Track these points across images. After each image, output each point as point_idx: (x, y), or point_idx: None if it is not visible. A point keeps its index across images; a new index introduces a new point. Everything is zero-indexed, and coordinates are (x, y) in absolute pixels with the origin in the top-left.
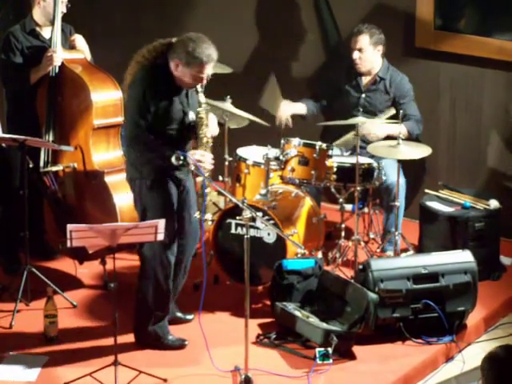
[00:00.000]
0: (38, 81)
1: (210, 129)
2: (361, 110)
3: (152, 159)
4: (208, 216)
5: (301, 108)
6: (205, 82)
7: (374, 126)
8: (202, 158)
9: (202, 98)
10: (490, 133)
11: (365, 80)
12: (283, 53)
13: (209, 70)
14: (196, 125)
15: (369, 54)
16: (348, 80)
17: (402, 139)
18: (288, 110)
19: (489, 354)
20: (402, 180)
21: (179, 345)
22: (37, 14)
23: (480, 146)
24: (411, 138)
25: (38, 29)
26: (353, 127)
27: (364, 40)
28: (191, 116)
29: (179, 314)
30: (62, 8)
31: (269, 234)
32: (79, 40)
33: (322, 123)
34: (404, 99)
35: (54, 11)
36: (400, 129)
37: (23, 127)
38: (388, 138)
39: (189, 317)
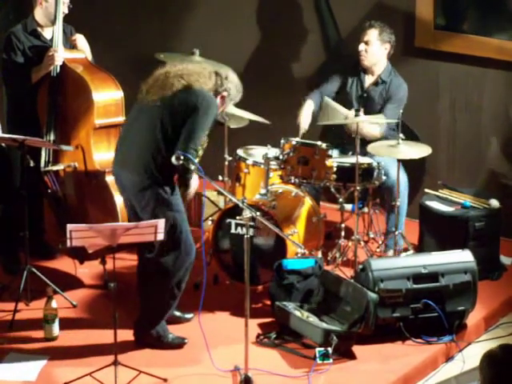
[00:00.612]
0: (39, 80)
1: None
2: (361, 108)
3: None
4: None
5: (310, 108)
6: None
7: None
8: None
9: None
10: (489, 132)
11: (368, 80)
12: (283, 53)
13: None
14: None
15: (375, 49)
16: (348, 82)
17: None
18: (307, 121)
19: (487, 353)
20: (405, 178)
21: (179, 343)
22: (38, 14)
23: (480, 145)
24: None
25: (39, 29)
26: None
27: (373, 33)
28: None
29: (178, 313)
30: (63, 9)
31: (268, 234)
32: (80, 39)
33: (322, 123)
34: (392, 102)
35: (55, 11)
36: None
37: (23, 127)
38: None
39: (188, 316)
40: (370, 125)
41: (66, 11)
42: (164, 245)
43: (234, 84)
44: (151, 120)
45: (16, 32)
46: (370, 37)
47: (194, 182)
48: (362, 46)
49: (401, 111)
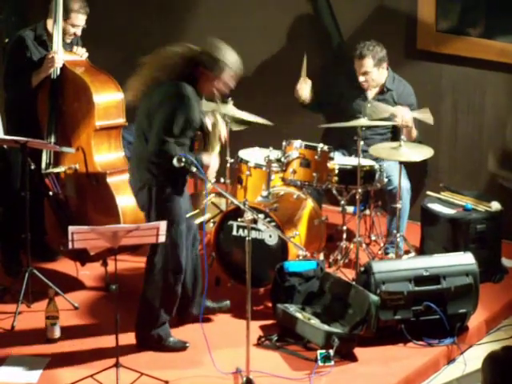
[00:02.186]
0: (39, 83)
1: (222, 133)
2: (366, 117)
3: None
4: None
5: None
6: (226, 90)
7: (403, 109)
8: (209, 163)
9: (230, 107)
10: (491, 135)
11: (371, 93)
12: (285, 54)
13: (232, 79)
14: (210, 133)
15: (374, 75)
16: (352, 89)
17: (405, 140)
18: (306, 88)
19: (489, 355)
20: (407, 184)
21: (180, 347)
22: (50, 24)
23: (481, 148)
24: (412, 139)
25: (48, 39)
26: (354, 129)
27: (368, 63)
28: (206, 123)
29: (212, 305)
30: (77, 31)
31: (270, 236)
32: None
33: (323, 125)
34: (411, 108)
35: (55, 13)
36: (426, 116)
37: (24, 130)
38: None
39: (223, 304)
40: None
41: (79, 33)
42: (156, 245)
43: (219, 60)
44: (137, 126)
45: (25, 37)
46: (367, 68)
47: (211, 161)
48: (362, 78)
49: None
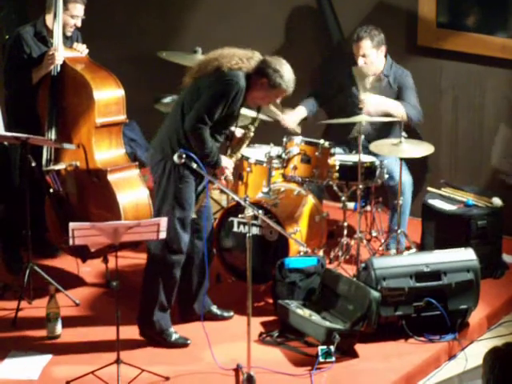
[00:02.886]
0: (40, 80)
1: (246, 145)
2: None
3: (201, 154)
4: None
5: (302, 113)
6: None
7: (374, 100)
8: (228, 166)
9: (261, 115)
10: (492, 131)
11: (368, 80)
12: (285, 51)
13: (279, 98)
14: (241, 139)
15: (373, 58)
16: (351, 81)
17: (400, 123)
18: (292, 120)
19: (491, 350)
20: (409, 179)
21: (182, 343)
22: (50, 19)
23: (482, 143)
24: (410, 123)
25: (48, 35)
26: (354, 124)
27: (366, 45)
28: (234, 128)
29: (218, 311)
30: (77, 22)
31: (271, 233)
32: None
33: (324, 121)
34: (406, 90)
35: (55, 9)
36: (399, 107)
37: (24, 126)
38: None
39: (227, 314)
40: (391, 103)
41: (79, 24)
42: None
43: (279, 74)
44: (178, 101)
45: (24, 34)
46: (365, 49)
47: (225, 163)
48: (361, 61)
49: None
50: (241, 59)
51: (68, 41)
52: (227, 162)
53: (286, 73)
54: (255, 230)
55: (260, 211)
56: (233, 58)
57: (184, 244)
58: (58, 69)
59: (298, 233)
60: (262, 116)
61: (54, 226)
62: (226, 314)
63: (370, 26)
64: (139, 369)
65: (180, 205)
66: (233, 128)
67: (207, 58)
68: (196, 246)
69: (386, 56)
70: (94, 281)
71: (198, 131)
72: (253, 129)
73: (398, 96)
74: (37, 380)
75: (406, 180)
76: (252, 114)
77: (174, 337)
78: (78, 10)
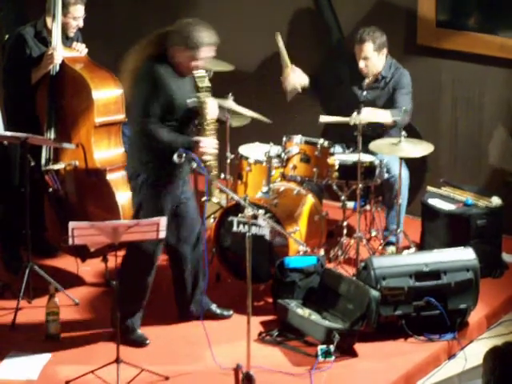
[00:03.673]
0: (39, 80)
1: (210, 111)
2: (362, 106)
3: (158, 154)
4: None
5: (305, 79)
6: (205, 65)
7: (365, 112)
8: (204, 145)
9: (206, 82)
10: (491, 130)
11: (367, 79)
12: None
13: (208, 53)
14: (198, 110)
15: (374, 60)
16: (352, 79)
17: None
18: (295, 78)
19: (491, 349)
20: (406, 173)
21: (141, 342)
22: (49, 21)
23: (482, 143)
24: (395, 126)
25: (48, 36)
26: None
27: (368, 48)
28: (190, 103)
29: (217, 311)
30: (79, 23)
31: (278, 237)
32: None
33: (323, 121)
34: (399, 90)
35: (53, 9)
36: (387, 117)
37: (23, 126)
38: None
39: (226, 313)
40: (381, 114)
41: (81, 25)
42: None
43: (183, 34)
44: None
45: (25, 35)
46: (366, 52)
47: (202, 142)
48: (362, 64)
49: (409, 104)
50: (139, 54)
51: (68, 41)
52: (203, 142)
53: (194, 30)
54: (254, 230)
55: (260, 211)
56: (144, 54)
57: (155, 254)
58: (57, 68)
59: (297, 232)
60: (256, 115)
61: (54, 225)
62: (225, 313)
63: (372, 28)
64: (139, 368)
65: (152, 213)
66: (190, 103)
67: (127, 65)
68: (183, 253)
69: (387, 56)
70: (94, 280)
71: (146, 130)
72: (204, 93)
73: (391, 96)
74: (36, 380)
75: (403, 175)
76: (250, 113)
77: (137, 334)
78: (79, 10)
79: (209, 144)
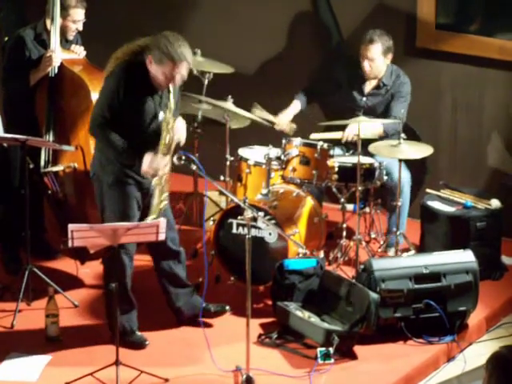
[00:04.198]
0: (38, 82)
1: (175, 135)
2: (361, 111)
3: (114, 156)
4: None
5: (296, 108)
6: (178, 82)
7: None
8: (149, 164)
9: (171, 100)
10: (491, 132)
11: (369, 85)
12: (285, 53)
13: (182, 70)
14: (160, 127)
15: (379, 63)
16: (351, 82)
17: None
18: (285, 118)
19: (494, 355)
20: (407, 176)
21: (140, 343)
22: (49, 24)
23: (481, 145)
24: (386, 136)
25: (47, 38)
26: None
27: (376, 49)
28: (161, 117)
29: (213, 308)
30: (78, 26)
31: (270, 234)
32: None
33: (323, 123)
34: (397, 98)
35: (52, 11)
36: (379, 129)
37: (22, 128)
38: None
39: (221, 308)
40: (371, 127)
41: (81, 28)
42: None
43: (161, 49)
44: None
45: (25, 37)
46: (374, 54)
47: (145, 160)
48: (366, 64)
49: (402, 111)
50: (118, 55)
51: (67, 44)
52: (151, 161)
53: (170, 45)
54: (254, 232)
55: (259, 213)
56: (112, 61)
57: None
58: (56, 70)
59: (296, 234)
60: (254, 117)
61: (53, 227)
62: (219, 309)
63: (381, 31)
64: (138, 370)
65: (108, 213)
66: (161, 117)
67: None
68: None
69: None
70: (93, 282)
71: (96, 128)
72: (169, 114)
73: (389, 103)
74: (36, 382)
75: (405, 177)
76: (251, 116)
77: (136, 335)
78: (79, 14)
79: (156, 163)
